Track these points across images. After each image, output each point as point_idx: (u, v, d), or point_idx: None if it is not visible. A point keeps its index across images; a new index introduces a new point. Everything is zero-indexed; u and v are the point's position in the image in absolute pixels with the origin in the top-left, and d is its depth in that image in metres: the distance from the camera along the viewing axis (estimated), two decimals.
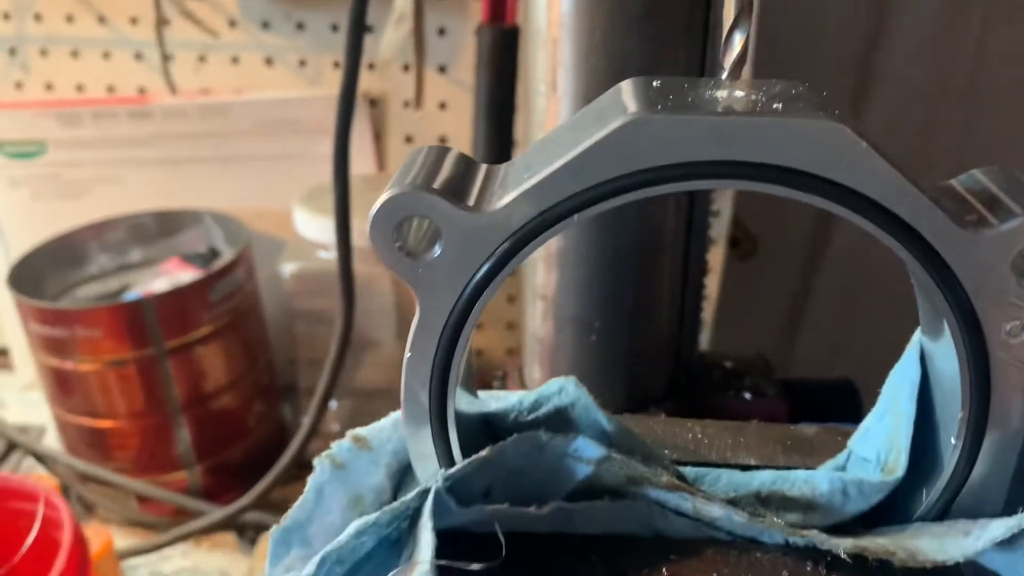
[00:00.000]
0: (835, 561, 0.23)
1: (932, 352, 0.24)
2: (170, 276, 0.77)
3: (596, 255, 0.41)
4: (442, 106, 0.80)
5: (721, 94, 0.21)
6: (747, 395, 0.44)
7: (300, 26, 0.79)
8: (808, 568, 0.23)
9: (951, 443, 0.23)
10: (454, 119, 0.81)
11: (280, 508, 0.27)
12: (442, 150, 0.24)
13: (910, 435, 0.24)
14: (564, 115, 0.39)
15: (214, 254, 0.80)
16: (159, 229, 0.82)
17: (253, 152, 0.82)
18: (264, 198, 0.83)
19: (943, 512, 0.24)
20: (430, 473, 0.25)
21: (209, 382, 0.74)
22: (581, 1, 0.37)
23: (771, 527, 0.23)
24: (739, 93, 0.21)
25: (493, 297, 0.22)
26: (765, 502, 0.25)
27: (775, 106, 0.21)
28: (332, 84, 0.79)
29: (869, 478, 0.24)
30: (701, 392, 0.44)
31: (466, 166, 0.24)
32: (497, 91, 0.74)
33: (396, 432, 0.27)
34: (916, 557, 0.22)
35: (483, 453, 0.24)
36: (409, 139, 0.82)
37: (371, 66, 0.80)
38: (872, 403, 0.27)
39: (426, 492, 0.24)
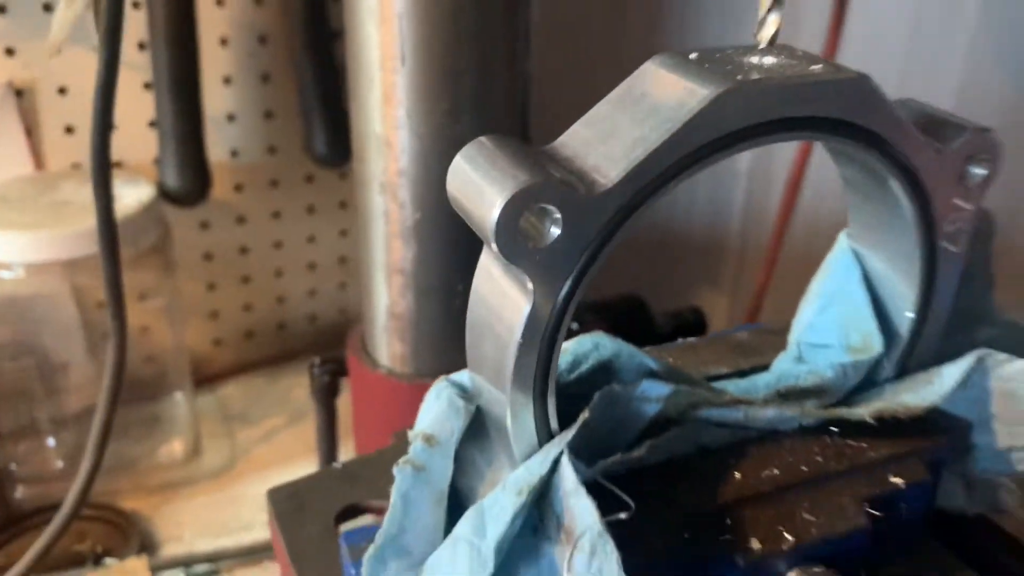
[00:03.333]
0: (852, 426, 0.29)
1: (865, 255, 0.31)
2: None
3: (453, 225, 0.43)
4: None
5: (768, 61, 0.25)
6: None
7: None
8: (832, 439, 0.29)
9: (905, 316, 0.30)
10: (125, 104, 0.73)
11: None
12: (503, 139, 0.25)
13: (874, 316, 0.30)
14: (412, 89, 0.39)
15: None
16: None
17: None
18: None
19: (900, 372, 0.31)
20: (526, 443, 0.26)
21: None
22: None
23: (807, 414, 0.29)
24: (783, 59, 0.25)
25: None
26: (785, 397, 0.30)
27: (812, 67, 0.25)
28: None
29: (859, 358, 0.30)
30: None
31: (533, 153, 0.25)
32: (180, 72, 0.69)
33: (454, 415, 0.27)
34: (910, 409, 0.29)
35: (584, 416, 0.26)
36: (70, 129, 0.72)
37: (9, 51, 0.69)
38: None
39: (554, 461, 0.25)
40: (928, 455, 0.29)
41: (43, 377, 0.68)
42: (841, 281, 0.31)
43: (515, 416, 0.25)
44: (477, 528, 0.25)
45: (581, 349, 0.29)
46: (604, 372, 0.28)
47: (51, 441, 0.71)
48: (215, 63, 0.75)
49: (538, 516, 0.25)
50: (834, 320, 0.31)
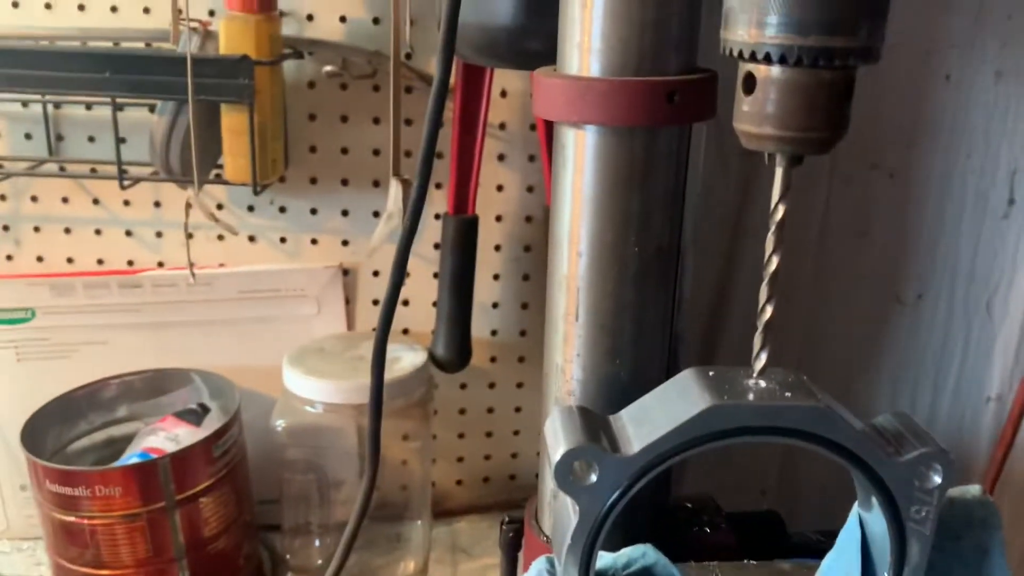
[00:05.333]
0: None
1: (866, 519, 0.41)
2: (167, 433, 0.87)
3: None
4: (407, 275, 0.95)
5: (753, 383, 0.37)
6: (707, 529, 0.60)
7: (282, 209, 0.92)
8: None
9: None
10: (414, 285, 0.95)
11: None
12: (573, 410, 0.39)
13: None
14: (583, 338, 0.54)
15: (204, 410, 0.90)
16: (148, 388, 0.91)
17: (237, 316, 0.93)
18: (248, 356, 0.94)
19: None
20: None
21: (209, 528, 0.83)
22: (593, 261, 0.54)
23: None
24: (763, 383, 0.37)
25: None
26: None
27: (786, 394, 0.37)
28: (310, 258, 0.92)
29: None
30: (677, 530, 0.59)
31: (593, 418, 0.39)
32: (460, 270, 0.90)
33: None
34: None
35: None
36: (375, 302, 0.96)
37: (344, 243, 0.94)
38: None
39: None
40: None
41: (320, 490, 0.89)
42: (848, 540, 0.41)
43: None
44: None
45: (635, 554, 0.41)
46: (646, 573, 0.41)
47: (317, 542, 0.91)
48: (489, 263, 0.96)
49: None
50: (841, 570, 0.41)
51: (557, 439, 0.36)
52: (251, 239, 0.93)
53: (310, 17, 0.87)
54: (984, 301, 1.13)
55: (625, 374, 0.54)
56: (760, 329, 0.37)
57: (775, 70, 0.36)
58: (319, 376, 0.84)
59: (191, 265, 0.85)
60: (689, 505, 0.62)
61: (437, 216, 0.92)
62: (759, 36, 0.36)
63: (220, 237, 0.92)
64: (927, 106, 1.07)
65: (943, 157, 1.08)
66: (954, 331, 1.15)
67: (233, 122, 0.80)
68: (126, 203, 0.91)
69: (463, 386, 1.00)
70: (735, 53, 0.37)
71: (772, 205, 0.39)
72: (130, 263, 0.93)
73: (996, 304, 1.13)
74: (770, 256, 0.39)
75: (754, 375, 0.38)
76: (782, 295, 1.09)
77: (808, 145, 0.37)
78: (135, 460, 0.82)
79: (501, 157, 0.93)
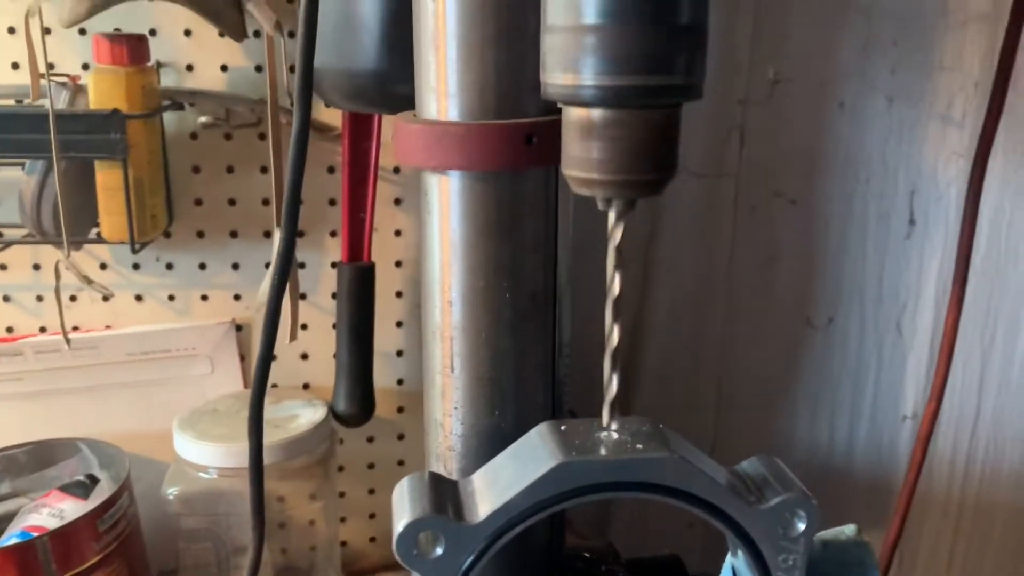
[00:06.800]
0: None
1: (738, 567, 0.39)
2: (51, 508, 0.82)
3: None
4: (303, 327, 0.92)
5: (603, 436, 0.35)
6: None
7: (169, 266, 0.89)
8: None
9: None
10: (312, 337, 0.92)
11: None
12: (422, 477, 0.37)
13: None
14: (461, 390, 0.52)
15: (93, 480, 0.85)
16: (33, 461, 0.86)
17: (126, 380, 0.89)
18: (140, 421, 0.89)
19: None
20: None
21: None
22: (465, 310, 0.52)
23: None
24: (615, 436, 0.35)
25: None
26: None
27: (637, 446, 0.35)
28: (201, 315, 0.89)
29: None
30: None
31: (443, 484, 0.37)
32: (358, 320, 0.87)
33: None
34: None
35: None
36: (273, 357, 0.92)
37: (236, 297, 0.90)
38: None
39: None
40: None
41: (220, 558, 0.85)
42: None
43: None
44: None
45: None
46: None
47: None
48: (391, 311, 0.93)
49: None
50: None
51: (402, 509, 0.34)
52: (138, 298, 0.89)
53: (190, 67, 0.84)
54: (894, 321, 1.14)
55: (507, 426, 0.52)
56: (608, 355, 0.35)
57: (595, 113, 0.34)
58: (211, 440, 0.81)
59: (64, 332, 0.80)
60: (587, 554, 0.60)
61: (334, 264, 0.90)
62: (576, 79, 0.34)
63: (105, 298, 0.88)
64: (824, 134, 1.08)
65: (843, 182, 1.09)
66: (867, 352, 1.16)
67: (107, 179, 0.77)
68: (2, 267, 0.87)
69: (370, 439, 0.97)
70: (554, 97, 0.36)
71: (609, 228, 0.38)
72: (9, 330, 0.89)
73: (905, 323, 1.14)
74: (611, 279, 0.37)
75: (606, 425, 0.36)
76: (695, 327, 1.09)
77: (637, 188, 0.35)
78: (13, 541, 0.77)
79: (398, 201, 0.91)
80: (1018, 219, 1.08)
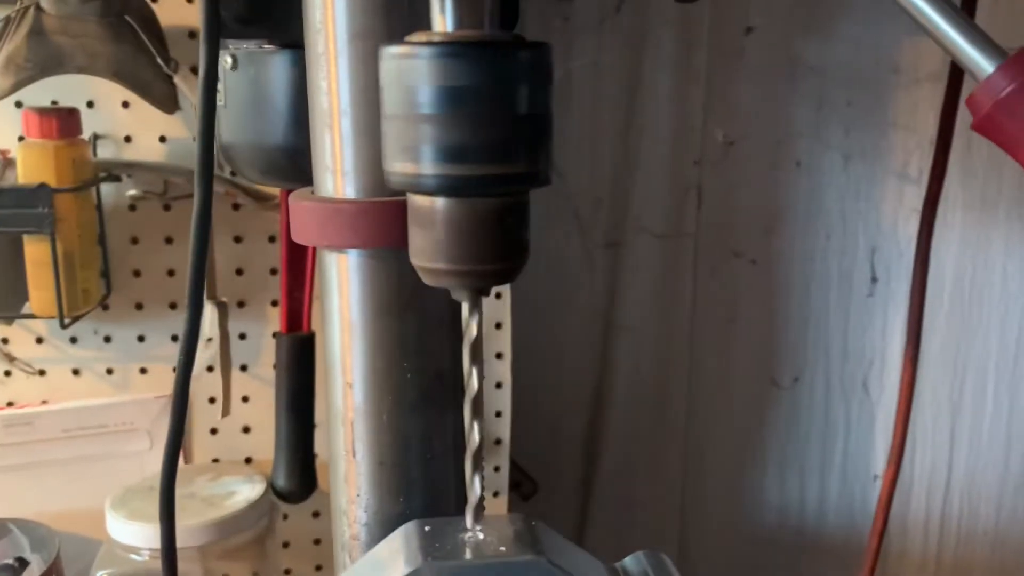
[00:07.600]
0: None
1: None
2: None
3: None
4: (244, 399, 0.90)
5: (468, 537, 0.33)
6: None
7: (107, 339, 0.87)
8: None
9: None
10: (255, 410, 0.90)
11: None
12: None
13: None
14: (364, 476, 0.50)
15: (23, 564, 0.82)
16: None
17: (62, 456, 0.86)
18: (73, 500, 0.86)
19: None
20: None
21: None
22: (365, 392, 0.50)
23: None
24: (481, 536, 0.33)
25: None
26: None
27: (501, 548, 0.33)
28: (140, 388, 0.86)
29: None
30: None
31: None
32: (296, 392, 0.85)
33: None
34: None
35: None
36: (214, 431, 0.90)
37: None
38: None
39: None
40: None
41: None
42: None
43: None
44: None
45: None
46: None
47: None
48: None
49: None
50: None
51: None
52: (75, 372, 0.87)
53: (128, 139, 0.83)
54: (860, 379, 1.12)
55: (413, 514, 0.50)
56: (469, 457, 0.33)
57: (438, 202, 0.33)
58: (143, 520, 0.78)
59: None
60: None
61: (275, 335, 0.88)
62: (416, 168, 0.33)
63: (42, 372, 0.86)
64: (781, 192, 1.07)
65: (803, 240, 1.08)
66: (834, 411, 1.13)
67: (35, 253, 0.76)
68: None
69: (316, 515, 0.94)
70: (397, 185, 0.35)
71: (464, 322, 0.36)
72: None
73: (872, 381, 1.12)
74: (468, 375, 0.36)
75: (470, 526, 0.34)
76: (659, 389, 1.07)
77: (486, 278, 0.34)
78: None
79: None
80: (980, 275, 1.07)
